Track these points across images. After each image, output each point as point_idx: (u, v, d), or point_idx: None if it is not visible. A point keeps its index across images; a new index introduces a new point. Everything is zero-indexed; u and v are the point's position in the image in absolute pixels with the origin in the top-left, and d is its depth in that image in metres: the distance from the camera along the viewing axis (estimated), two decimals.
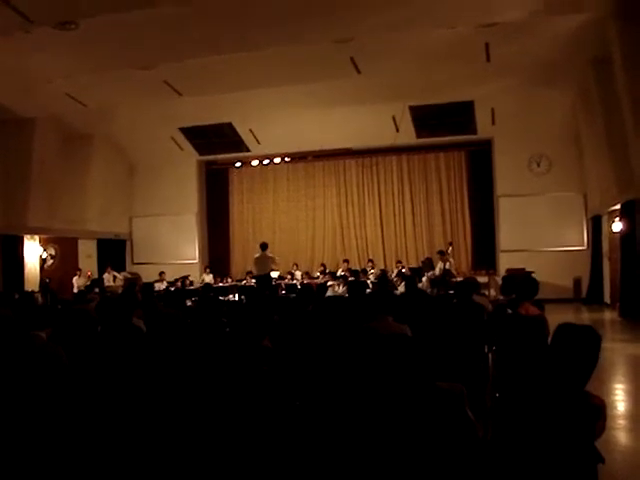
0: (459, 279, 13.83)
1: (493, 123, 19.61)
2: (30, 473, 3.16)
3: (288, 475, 3.08)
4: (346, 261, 19.89)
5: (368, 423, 3.06)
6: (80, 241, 21.64)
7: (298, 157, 22.82)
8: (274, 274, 18.20)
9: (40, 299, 13.98)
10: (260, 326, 4.54)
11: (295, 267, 20.82)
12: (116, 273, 20.35)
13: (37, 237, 20.02)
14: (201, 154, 23.12)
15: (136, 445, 3.25)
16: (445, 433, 3.00)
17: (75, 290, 18.82)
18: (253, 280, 17.22)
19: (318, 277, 19.06)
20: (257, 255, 16.06)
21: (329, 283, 16.67)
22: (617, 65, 13.08)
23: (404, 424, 3.00)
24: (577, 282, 19.69)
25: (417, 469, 2.94)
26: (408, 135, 20.33)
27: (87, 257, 21.78)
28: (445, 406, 3.06)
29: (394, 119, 19.39)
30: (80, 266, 20.87)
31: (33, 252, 19.95)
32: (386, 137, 20.04)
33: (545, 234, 19.75)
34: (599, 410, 3.02)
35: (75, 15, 11.05)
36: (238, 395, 3.49)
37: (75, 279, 19.81)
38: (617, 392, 8.21)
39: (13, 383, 3.73)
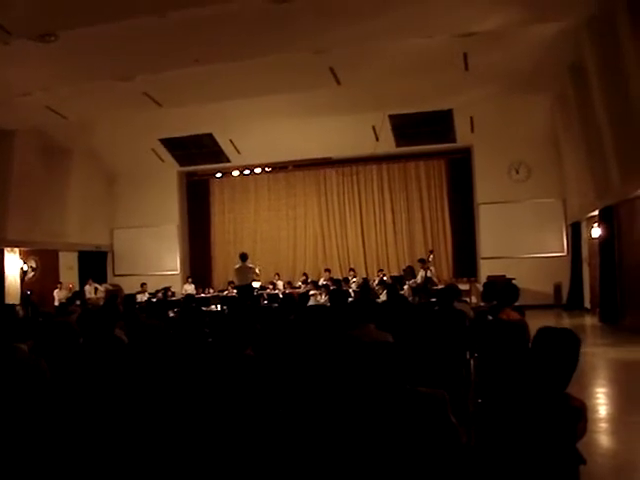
0: (440, 287, 13.89)
1: (472, 131, 19.73)
2: None
3: None
4: (328, 270, 19.94)
5: (351, 430, 3.07)
6: (61, 253, 21.56)
7: (278, 167, 22.87)
8: (256, 284, 18.20)
9: (21, 312, 13.90)
10: (242, 336, 4.55)
11: (277, 277, 20.86)
12: (97, 285, 20.29)
13: (17, 250, 19.91)
14: (182, 165, 23.10)
15: (120, 456, 3.25)
16: (428, 438, 3.02)
17: (56, 303, 18.75)
18: (235, 290, 17.19)
19: (300, 287, 19.06)
20: (237, 266, 16.03)
21: (311, 292, 16.66)
22: (591, 72, 13.22)
23: (387, 430, 3.02)
24: (557, 288, 19.81)
25: (401, 476, 2.95)
26: (388, 144, 20.41)
27: (68, 269, 21.69)
28: (428, 411, 3.08)
29: (374, 128, 19.45)
30: (61, 278, 20.82)
31: (13, 265, 19.84)
32: (366, 146, 20.14)
33: (525, 241, 19.87)
34: (580, 412, 3.05)
35: (54, 27, 11.02)
36: (222, 403, 3.50)
37: (56, 292, 19.74)
38: (598, 396, 8.26)
39: None
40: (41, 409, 3.49)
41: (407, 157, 21.93)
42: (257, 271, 16.65)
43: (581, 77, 14.27)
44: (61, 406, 3.53)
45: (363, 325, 5.48)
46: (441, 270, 20.98)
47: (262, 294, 18.35)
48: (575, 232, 19.14)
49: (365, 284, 16.32)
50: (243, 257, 15.93)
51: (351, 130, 19.66)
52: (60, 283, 20.28)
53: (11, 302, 17.42)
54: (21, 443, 3.26)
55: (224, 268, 23.10)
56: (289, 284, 20.21)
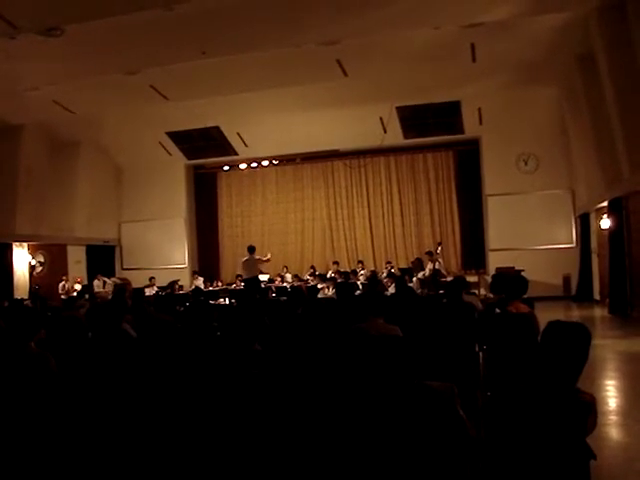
0: (449, 279, 13.86)
1: (480, 122, 19.66)
2: None
3: (281, 476, 3.08)
4: (336, 263, 19.95)
5: (359, 424, 3.06)
6: (69, 247, 21.60)
7: (286, 159, 22.81)
8: (264, 277, 18.21)
9: (30, 306, 13.94)
10: (251, 330, 4.54)
11: (285, 270, 20.85)
12: (106, 279, 20.32)
13: (25, 244, 19.94)
14: (189, 158, 23.10)
15: (128, 450, 3.24)
16: (437, 432, 3.00)
17: (63, 295, 18.82)
18: (243, 284, 17.19)
19: (308, 279, 19.06)
20: (245, 258, 16.05)
21: (319, 285, 16.66)
22: (601, 62, 13.13)
23: (396, 424, 3.00)
24: (566, 279, 19.77)
25: (410, 470, 2.94)
26: (395, 136, 20.36)
27: (76, 263, 21.74)
28: (436, 405, 3.06)
29: (381, 120, 19.41)
30: (69, 272, 20.83)
31: (22, 259, 19.88)
32: (373, 138, 20.12)
33: (534, 232, 19.82)
34: (589, 406, 3.03)
35: (60, 21, 11.02)
36: (230, 399, 3.49)
37: (62, 284, 19.78)
38: (608, 388, 8.24)
39: (3, 394, 3.72)
40: (49, 405, 3.49)
41: (415, 149, 21.87)
42: (268, 256, 16.65)
43: (590, 67, 14.18)
44: (69, 401, 3.53)
45: (372, 318, 5.46)
46: (450, 262, 20.96)
47: (270, 287, 18.35)
48: (584, 223, 19.07)
49: (373, 277, 16.30)
50: (251, 249, 15.96)
51: (358, 122, 19.63)
52: (65, 276, 20.32)
53: (20, 297, 17.46)
54: (30, 439, 3.26)
55: (232, 261, 23.11)
56: (297, 277, 20.19)
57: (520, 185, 20.01)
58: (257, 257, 16.05)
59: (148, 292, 16.87)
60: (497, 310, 6.15)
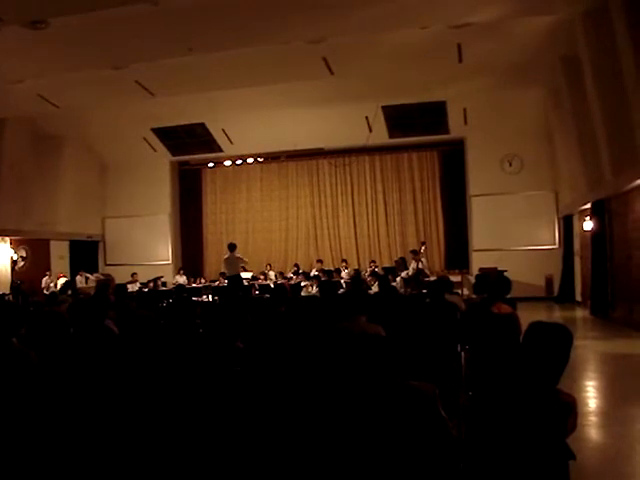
0: (432, 278, 13.89)
1: (465, 123, 19.71)
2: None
3: (263, 475, 3.08)
4: (320, 261, 19.97)
5: (340, 423, 3.06)
6: (52, 243, 21.48)
7: (271, 157, 22.84)
8: (247, 275, 18.19)
9: (12, 301, 13.84)
10: (233, 327, 4.53)
11: (269, 267, 20.83)
12: (88, 275, 20.22)
13: (8, 239, 19.81)
14: (174, 155, 23.04)
15: (110, 446, 3.23)
16: (418, 433, 3.00)
17: (44, 288, 18.76)
18: (226, 281, 17.18)
19: (292, 277, 19.05)
20: (226, 256, 16.05)
21: (303, 283, 16.66)
22: (585, 65, 13.19)
23: (376, 424, 3.00)
24: (549, 280, 19.87)
25: (390, 469, 2.94)
26: (381, 135, 20.38)
27: (59, 259, 21.63)
28: (417, 406, 3.07)
29: (367, 119, 19.42)
30: (52, 268, 20.73)
31: (4, 254, 19.75)
32: (359, 137, 20.08)
33: (517, 233, 19.91)
34: (570, 407, 3.04)
35: (45, 14, 10.94)
36: (212, 396, 3.48)
37: (45, 279, 19.70)
38: (588, 389, 8.29)
39: None
40: (30, 402, 3.47)
41: (400, 148, 21.89)
42: (245, 259, 16.70)
43: (574, 70, 14.25)
44: (50, 397, 3.51)
45: (354, 317, 5.45)
46: (433, 262, 21.00)
47: (254, 284, 18.34)
48: (567, 225, 19.16)
49: (357, 275, 16.31)
50: (231, 247, 15.96)
51: (344, 121, 19.63)
52: (49, 271, 20.22)
53: (1, 292, 17.34)
54: (11, 436, 3.24)
55: (216, 258, 23.01)
56: (281, 274, 20.19)
57: (504, 186, 20.09)
58: (238, 255, 16.05)
59: (131, 288, 16.79)
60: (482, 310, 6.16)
